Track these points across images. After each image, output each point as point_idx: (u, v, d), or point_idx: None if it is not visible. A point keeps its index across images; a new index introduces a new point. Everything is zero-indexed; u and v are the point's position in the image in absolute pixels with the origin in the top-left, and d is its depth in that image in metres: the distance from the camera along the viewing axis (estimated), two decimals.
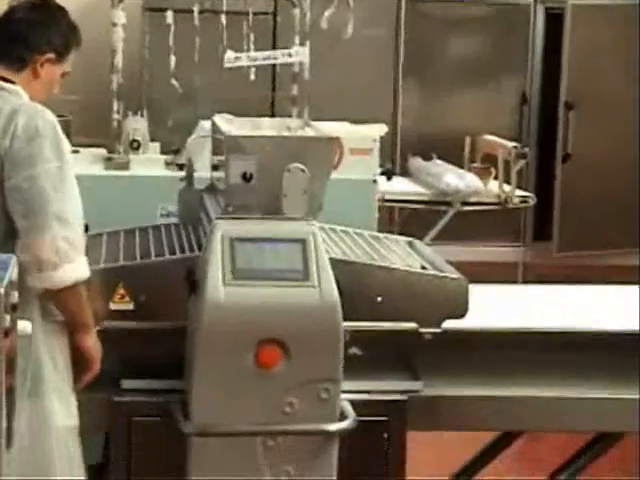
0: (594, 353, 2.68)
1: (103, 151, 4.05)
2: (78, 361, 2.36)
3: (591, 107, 6.76)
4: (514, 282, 6.09)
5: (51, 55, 2.46)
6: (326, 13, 5.24)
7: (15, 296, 1.73)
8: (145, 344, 2.48)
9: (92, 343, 2.36)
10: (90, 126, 4.98)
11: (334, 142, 2.47)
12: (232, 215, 2.39)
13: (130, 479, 2.43)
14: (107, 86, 4.11)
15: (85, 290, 2.32)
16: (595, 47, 6.73)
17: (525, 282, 6.21)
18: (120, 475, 2.44)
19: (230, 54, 4.15)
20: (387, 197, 4.96)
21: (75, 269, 2.28)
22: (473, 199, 5.26)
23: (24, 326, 1.79)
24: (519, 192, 5.33)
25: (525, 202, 5.40)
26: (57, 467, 2.32)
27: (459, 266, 2.68)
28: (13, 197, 2.30)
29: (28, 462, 2.23)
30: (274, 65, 5.12)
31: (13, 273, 1.74)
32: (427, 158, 5.76)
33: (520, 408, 2.64)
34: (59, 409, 2.32)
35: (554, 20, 6.85)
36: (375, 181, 3.77)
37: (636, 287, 3.06)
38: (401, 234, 3.12)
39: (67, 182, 2.34)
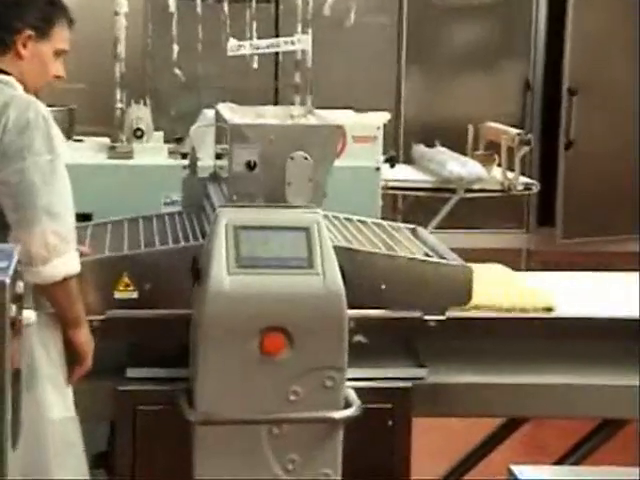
0: (598, 340, 2.68)
1: (106, 140, 4.06)
2: (70, 355, 2.36)
3: (594, 93, 6.75)
4: (518, 269, 6.10)
5: (30, 32, 2.41)
6: (328, 0, 5.22)
7: (20, 286, 1.73)
8: (150, 333, 2.48)
9: (84, 338, 2.35)
10: (93, 115, 4.98)
11: (338, 130, 2.46)
12: (236, 203, 2.39)
13: (135, 467, 2.44)
14: (110, 75, 4.11)
15: (77, 284, 2.30)
16: (598, 33, 6.72)
17: (529, 269, 6.20)
18: (125, 463, 2.45)
19: (233, 42, 4.14)
20: (390, 184, 4.96)
21: (65, 263, 2.26)
22: (476, 186, 5.25)
23: (28, 315, 1.80)
24: (523, 179, 5.33)
25: (529, 189, 5.40)
26: (53, 459, 2.31)
27: (463, 253, 2.68)
28: (2, 191, 2.27)
29: (24, 454, 2.23)
30: (277, 53, 5.12)
31: (17, 262, 1.74)
32: (430, 145, 5.75)
33: (524, 395, 2.65)
34: (55, 401, 2.32)
35: (557, 6, 6.83)
36: (378, 169, 3.77)
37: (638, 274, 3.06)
38: (404, 221, 3.12)
39: (57, 175, 2.31)
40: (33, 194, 2.26)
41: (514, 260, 6.40)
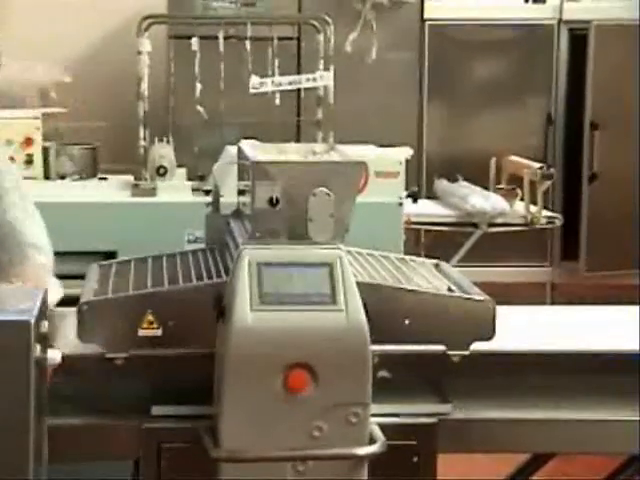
0: (625, 375, 2.66)
1: (130, 178, 4.09)
2: None
3: (617, 127, 6.76)
4: (542, 303, 6.07)
5: None
6: (350, 37, 5.25)
7: (45, 325, 1.74)
8: (174, 370, 2.48)
9: None
10: (117, 153, 5.03)
11: (360, 166, 2.47)
12: (259, 240, 2.39)
13: None
14: (133, 113, 4.15)
15: None
16: (620, 67, 6.73)
17: (553, 303, 6.18)
18: None
19: (255, 79, 4.18)
20: (413, 219, 4.97)
21: (51, 291, 2.25)
22: (499, 220, 5.25)
23: (53, 356, 1.80)
24: (546, 212, 5.32)
25: (552, 222, 5.39)
26: None
27: (486, 287, 2.67)
28: None
29: None
30: (299, 90, 5.16)
31: (42, 302, 1.75)
32: (452, 180, 5.76)
33: (551, 430, 2.62)
34: None
35: (578, 41, 6.85)
36: (401, 204, 3.78)
37: None
38: (427, 256, 3.11)
39: (29, 207, 2.32)
40: (17, 230, 2.26)
41: (538, 294, 6.39)
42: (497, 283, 4.94)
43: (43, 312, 1.73)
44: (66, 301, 2.75)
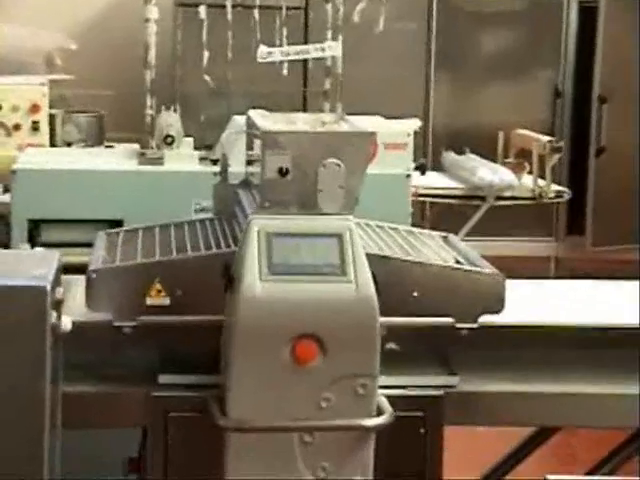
0: (630, 349, 2.66)
1: (137, 146, 4.07)
2: None
3: (624, 100, 6.72)
4: (547, 277, 6.07)
5: None
6: (358, 7, 5.22)
7: (60, 292, 1.73)
8: (181, 339, 2.48)
9: None
10: (124, 122, 5.01)
11: (370, 137, 2.45)
12: (268, 210, 2.38)
13: (167, 473, 2.44)
14: (140, 81, 4.13)
15: None
16: (629, 40, 6.68)
17: (558, 277, 6.18)
18: (157, 469, 2.44)
19: (263, 49, 4.15)
20: (421, 192, 4.96)
21: None
22: (507, 194, 5.23)
23: (66, 321, 1.80)
24: (554, 187, 5.30)
25: (560, 197, 5.37)
26: None
27: (492, 261, 2.67)
28: None
29: None
30: (306, 60, 5.13)
31: (57, 269, 1.75)
32: (460, 153, 5.74)
33: (557, 404, 2.63)
34: None
35: (588, 13, 6.81)
36: (409, 176, 3.76)
37: None
38: (434, 229, 3.10)
39: None
40: None
41: (544, 268, 6.39)
42: (502, 256, 4.93)
43: (58, 278, 1.73)
44: (75, 269, 2.74)
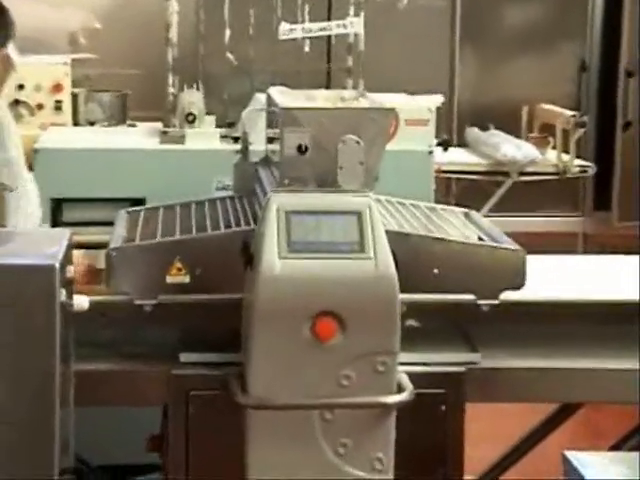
0: None
1: (159, 125, 4.07)
2: None
3: None
4: (574, 253, 6.04)
5: None
6: None
7: (71, 270, 1.73)
8: (202, 317, 2.49)
9: None
10: (146, 100, 5.01)
11: (389, 113, 2.44)
12: (287, 188, 2.37)
13: (188, 451, 2.45)
14: (162, 60, 4.12)
15: None
16: None
17: (585, 252, 6.14)
18: (178, 447, 2.45)
19: (285, 26, 4.13)
20: (444, 168, 4.94)
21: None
22: (531, 169, 5.21)
23: (80, 301, 1.80)
24: (578, 161, 5.27)
25: (584, 172, 5.34)
26: None
27: (518, 237, 2.65)
28: None
29: None
30: (329, 36, 5.10)
31: (67, 247, 1.75)
32: (484, 128, 5.71)
33: (580, 380, 2.61)
34: None
35: None
36: (431, 152, 3.74)
37: None
38: (458, 205, 3.09)
39: None
40: None
41: (570, 244, 6.35)
42: (528, 233, 4.91)
43: (69, 256, 1.73)
44: (95, 246, 2.75)
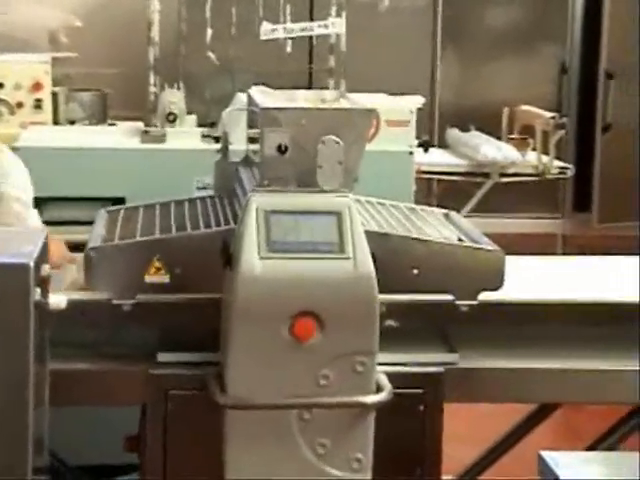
0: (629, 324, 2.65)
1: (140, 124, 4.07)
2: None
3: (632, 76, 6.69)
4: (553, 254, 6.06)
5: None
6: None
7: (46, 269, 1.73)
8: (181, 317, 2.48)
9: None
10: (127, 99, 5.00)
11: (369, 113, 2.44)
12: (267, 188, 2.38)
13: (166, 451, 2.45)
14: (143, 59, 4.11)
15: None
16: (636, 15, 6.64)
17: (565, 254, 6.17)
18: (156, 447, 2.45)
19: (266, 26, 4.13)
20: (424, 169, 4.95)
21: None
22: (511, 170, 5.22)
23: (57, 300, 1.80)
24: (558, 163, 5.29)
25: (564, 173, 5.36)
26: None
27: (498, 238, 2.66)
28: None
29: None
30: (311, 37, 5.10)
31: (43, 246, 1.74)
32: (465, 129, 5.72)
33: (557, 380, 2.62)
34: None
35: None
36: (412, 153, 3.75)
37: None
38: (438, 206, 3.10)
39: None
40: None
41: (550, 245, 6.37)
42: (508, 234, 4.93)
43: (44, 255, 1.72)
44: (74, 247, 2.75)
